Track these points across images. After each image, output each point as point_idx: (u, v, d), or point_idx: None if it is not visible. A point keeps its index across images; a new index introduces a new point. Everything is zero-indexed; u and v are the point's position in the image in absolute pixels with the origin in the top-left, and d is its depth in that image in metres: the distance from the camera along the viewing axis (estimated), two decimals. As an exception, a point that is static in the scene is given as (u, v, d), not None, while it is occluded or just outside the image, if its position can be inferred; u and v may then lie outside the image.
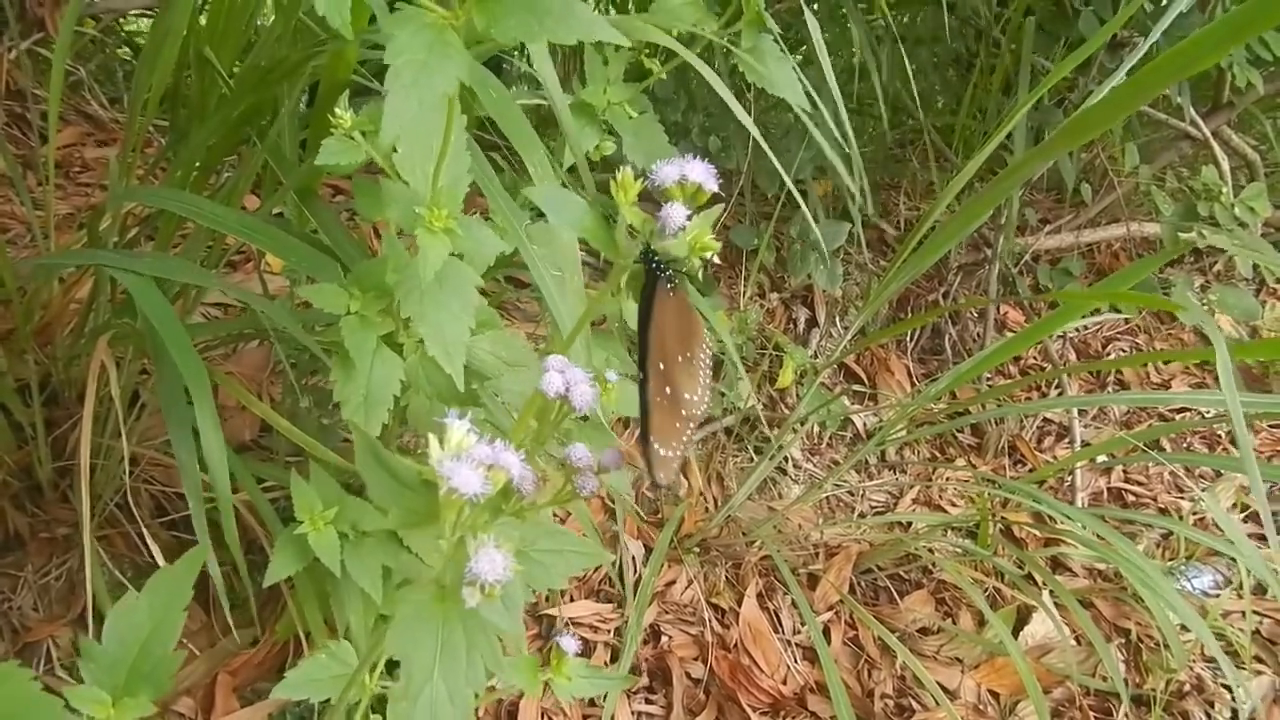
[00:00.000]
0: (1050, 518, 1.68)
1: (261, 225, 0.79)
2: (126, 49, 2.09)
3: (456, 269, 0.63)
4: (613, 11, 1.62)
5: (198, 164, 1.01)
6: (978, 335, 1.92)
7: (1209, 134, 1.78)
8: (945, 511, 1.64)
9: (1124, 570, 1.27)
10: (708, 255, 0.51)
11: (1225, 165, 1.78)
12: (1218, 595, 1.57)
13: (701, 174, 0.50)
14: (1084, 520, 1.34)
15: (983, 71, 1.64)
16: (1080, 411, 1.86)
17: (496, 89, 0.68)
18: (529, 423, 0.55)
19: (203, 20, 1.06)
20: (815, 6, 1.59)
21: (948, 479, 1.71)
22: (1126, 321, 2.09)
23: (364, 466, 0.50)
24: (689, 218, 0.50)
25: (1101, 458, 1.83)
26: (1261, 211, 1.63)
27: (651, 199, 0.54)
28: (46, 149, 1.16)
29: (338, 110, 0.66)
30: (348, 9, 0.47)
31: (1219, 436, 1.93)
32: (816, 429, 1.68)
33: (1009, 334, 2.01)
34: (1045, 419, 1.88)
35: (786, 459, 1.60)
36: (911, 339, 1.90)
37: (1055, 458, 1.79)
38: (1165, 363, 2.07)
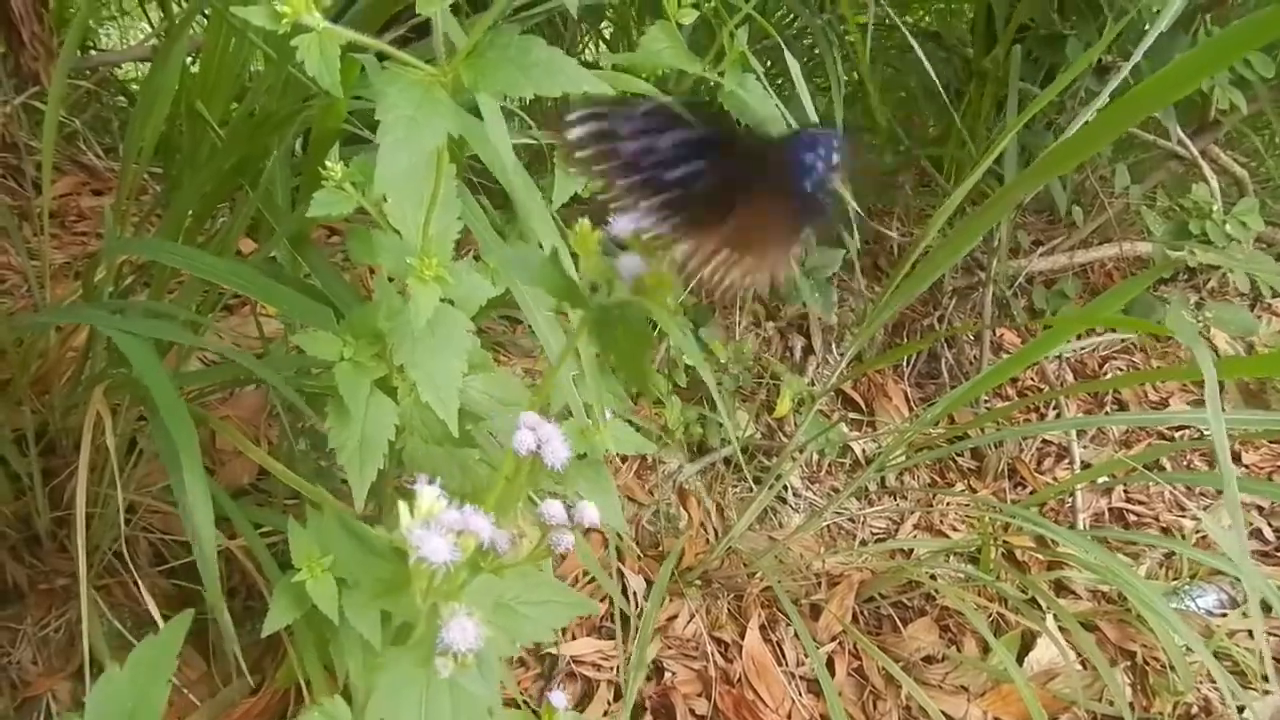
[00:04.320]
0: (1052, 540, 1.68)
1: (254, 274, 0.79)
2: (121, 97, 2.11)
3: (448, 315, 0.63)
4: (603, 48, 1.64)
5: (191, 211, 1.02)
6: (974, 358, 1.93)
7: (1197, 154, 1.80)
8: (947, 537, 1.63)
9: (1126, 592, 1.26)
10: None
11: (1215, 183, 1.79)
12: (1224, 615, 1.56)
13: (653, 225, 0.50)
14: (1085, 544, 1.34)
15: (971, 100, 1.66)
16: (1079, 432, 1.86)
17: (488, 132, 0.69)
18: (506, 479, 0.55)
19: (195, 68, 1.07)
20: (808, 38, 1.61)
21: (948, 503, 1.71)
22: (1123, 340, 2.09)
23: (332, 537, 0.50)
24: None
25: (1102, 479, 1.83)
26: (1254, 226, 1.64)
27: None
28: (41, 200, 1.17)
29: (328, 163, 0.66)
30: (337, 69, 0.48)
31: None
32: (815, 457, 1.68)
33: (1005, 356, 2.01)
34: (1044, 440, 1.88)
35: (786, 488, 1.60)
36: (908, 364, 1.90)
37: (1055, 479, 1.79)
38: (1163, 380, 2.08)
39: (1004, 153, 1.59)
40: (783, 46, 0.84)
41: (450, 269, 0.60)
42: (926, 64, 1.31)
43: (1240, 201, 1.61)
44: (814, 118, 0.90)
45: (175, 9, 1.99)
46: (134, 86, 2.16)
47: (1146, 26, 1.47)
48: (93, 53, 2.20)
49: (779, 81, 1.54)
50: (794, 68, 0.84)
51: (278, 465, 0.93)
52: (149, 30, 2.34)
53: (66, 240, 1.69)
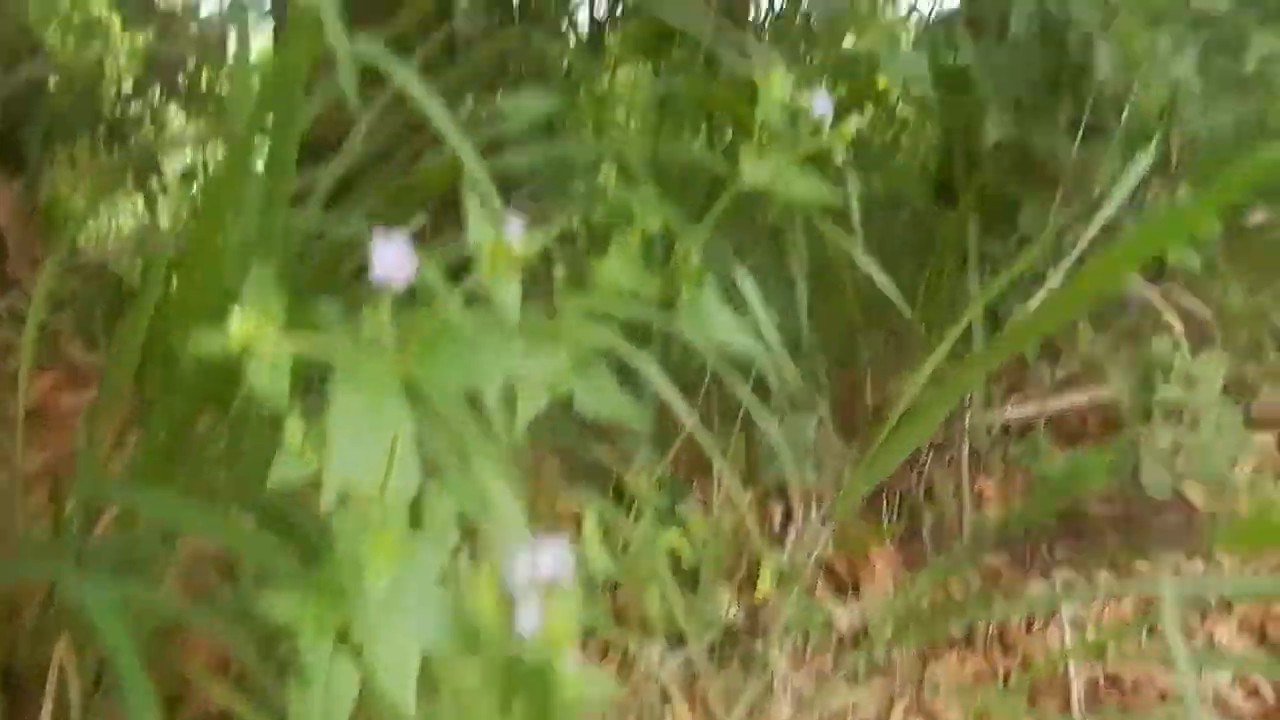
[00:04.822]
0: (1046, 710, 1.65)
1: (217, 520, 0.79)
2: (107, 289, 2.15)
3: (410, 583, 0.63)
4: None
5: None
6: (956, 513, 1.92)
7: (1157, 301, 1.85)
8: (938, 716, 1.59)
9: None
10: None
11: (1178, 327, 1.84)
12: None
13: (553, 566, 0.50)
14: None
15: (933, 270, 1.72)
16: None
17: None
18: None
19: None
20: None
21: (939, 677, 1.67)
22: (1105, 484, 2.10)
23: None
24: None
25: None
26: (1215, 378, 1.68)
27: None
28: (17, 407, 1.17)
29: (289, 426, 0.67)
30: (286, 383, 0.49)
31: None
32: (800, 638, 1.65)
33: (987, 509, 2.01)
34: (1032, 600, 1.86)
35: (773, 675, 1.57)
36: (889, 525, 1.89)
37: (1046, 642, 1.76)
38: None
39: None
40: (735, 262, 0.87)
41: (408, 536, 0.60)
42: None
43: (1202, 355, 1.65)
44: (771, 329, 0.93)
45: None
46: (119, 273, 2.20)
47: (1098, 191, 1.55)
48: (81, 245, 2.25)
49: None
50: (748, 291, 0.87)
51: (242, 704, 0.91)
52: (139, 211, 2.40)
53: (46, 441, 1.69)
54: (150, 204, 1.87)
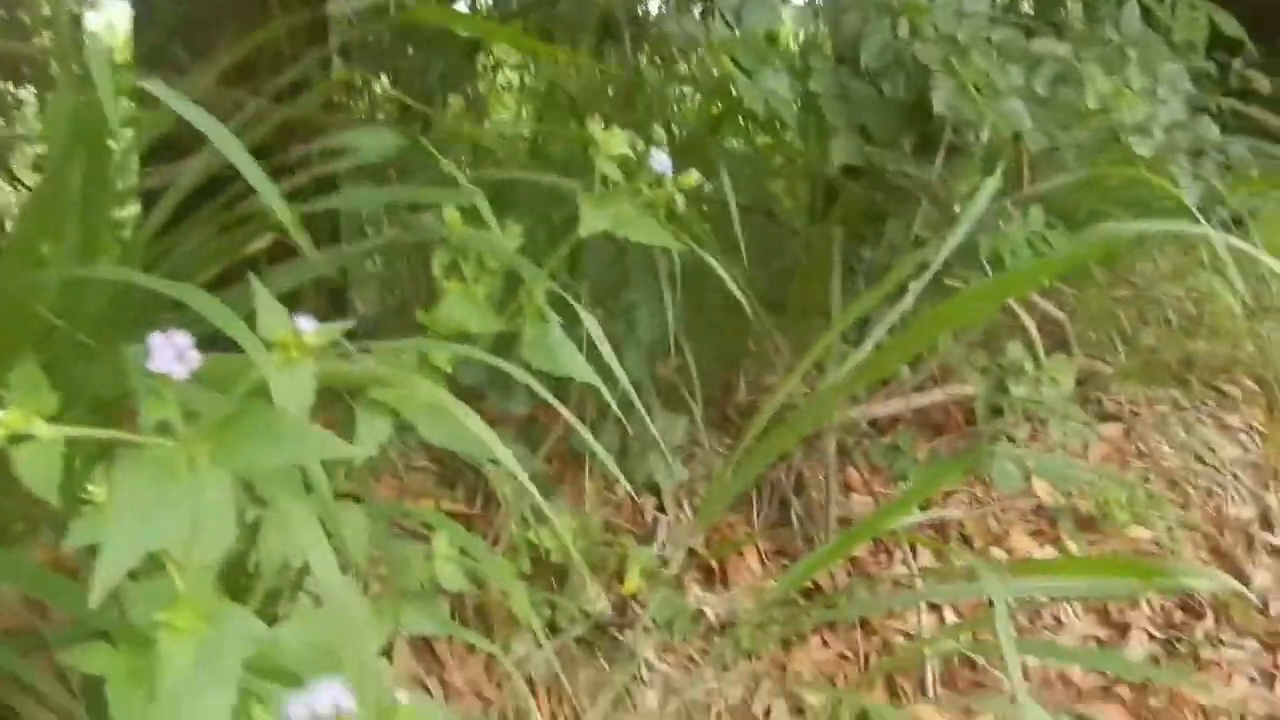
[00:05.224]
0: (905, 693, 1.72)
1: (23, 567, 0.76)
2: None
3: (215, 653, 0.61)
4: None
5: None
6: (823, 503, 1.98)
7: (1014, 304, 1.92)
8: (800, 699, 1.65)
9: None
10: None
11: (1033, 329, 1.92)
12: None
13: (332, 701, 0.50)
14: (925, 712, 1.38)
15: (806, 276, 1.75)
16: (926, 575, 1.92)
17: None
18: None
19: None
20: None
21: (803, 662, 1.73)
22: (964, 473, 2.19)
23: None
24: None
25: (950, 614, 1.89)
26: (1065, 381, 1.76)
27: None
28: None
29: (90, 486, 0.64)
30: (55, 481, 0.47)
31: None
32: (668, 627, 1.68)
33: (854, 495, 2.08)
34: (894, 583, 1.93)
35: (641, 664, 1.60)
36: (759, 516, 1.94)
37: (906, 625, 1.84)
38: (1003, 510, 2.17)
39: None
40: (577, 303, 0.87)
41: (213, 613, 0.59)
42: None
43: (1053, 358, 1.72)
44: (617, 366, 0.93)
45: None
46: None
47: (956, 208, 1.60)
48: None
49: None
50: (589, 322, 0.87)
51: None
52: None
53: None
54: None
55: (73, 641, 0.85)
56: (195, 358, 0.48)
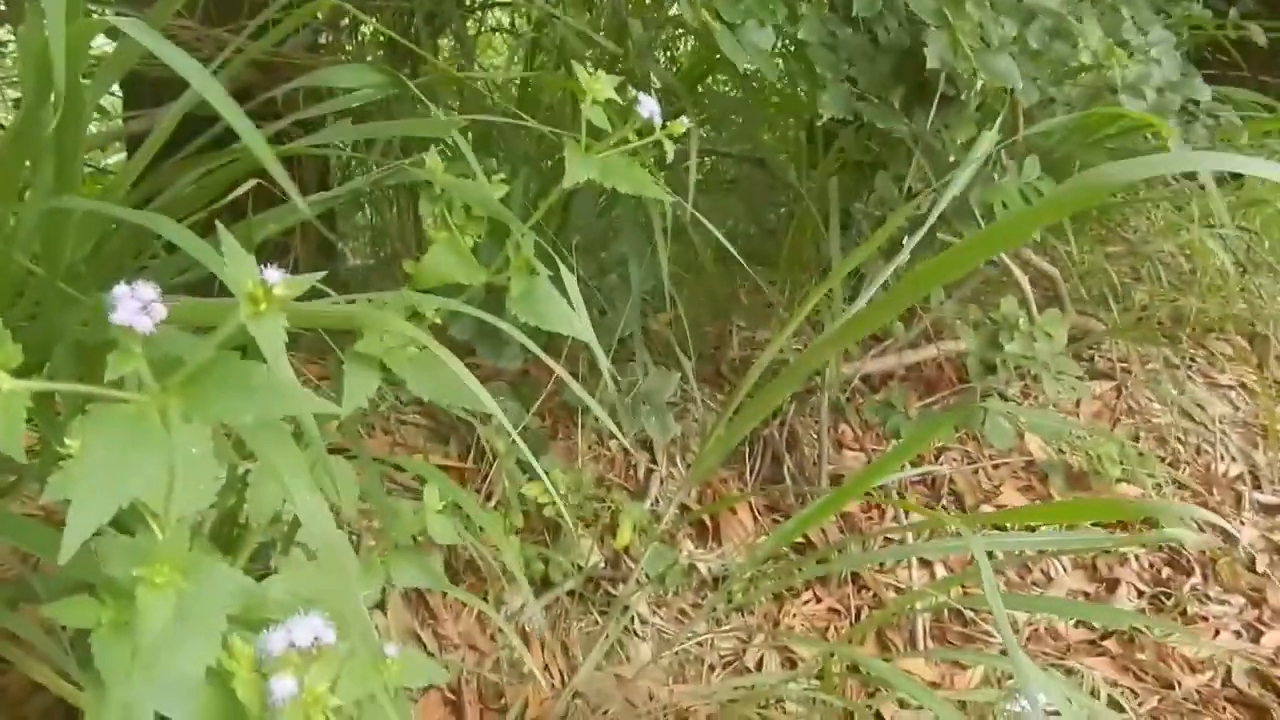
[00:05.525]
0: (896, 646, 1.74)
1: (7, 516, 0.75)
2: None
3: (196, 607, 0.61)
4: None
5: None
6: (815, 460, 1.98)
7: (1008, 260, 1.91)
8: (792, 651, 1.66)
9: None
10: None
11: (1026, 285, 1.91)
12: (1057, 715, 1.63)
13: (311, 634, 0.50)
14: (914, 665, 1.39)
15: (799, 228, 1.73)
16: (916, 531, 1.93)
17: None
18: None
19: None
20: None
21: (795, 615, 1.74)
22: (956, 430, 2.19)
23: None
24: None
25: (941, 569, 1.91)
26: (1058, 336, 1.75)
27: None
28: None
29: (67, 439, 0.63)
30: (20, 436, 0.46)
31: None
32: (661, 581, 1.69)
33: (846, 451, 2.08)
34: (886, 539, 1.94)
35: (633, 618, 1.61)
36: (751, 472, 1.94)
37: (897, 579, 1.85)
38: (995, 467, 2.17)
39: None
40: (558, 255, 0.86)
41: (192, 565, 0.58)
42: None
43: (1046, 312, 1.71)
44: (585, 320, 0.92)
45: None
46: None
47: (952, 158, 1.57)
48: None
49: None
50: (569, 281, 0.86)
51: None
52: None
53: None
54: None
55: (61, 592, 0.85)
56: (160, 310, 0.47)
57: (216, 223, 0.54)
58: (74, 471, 0.46)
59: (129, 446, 0.49)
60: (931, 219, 1.26)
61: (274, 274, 0.49)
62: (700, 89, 1.68)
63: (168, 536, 0.59)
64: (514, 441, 1.62)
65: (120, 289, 0.47)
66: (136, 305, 0.47)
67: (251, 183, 0.99)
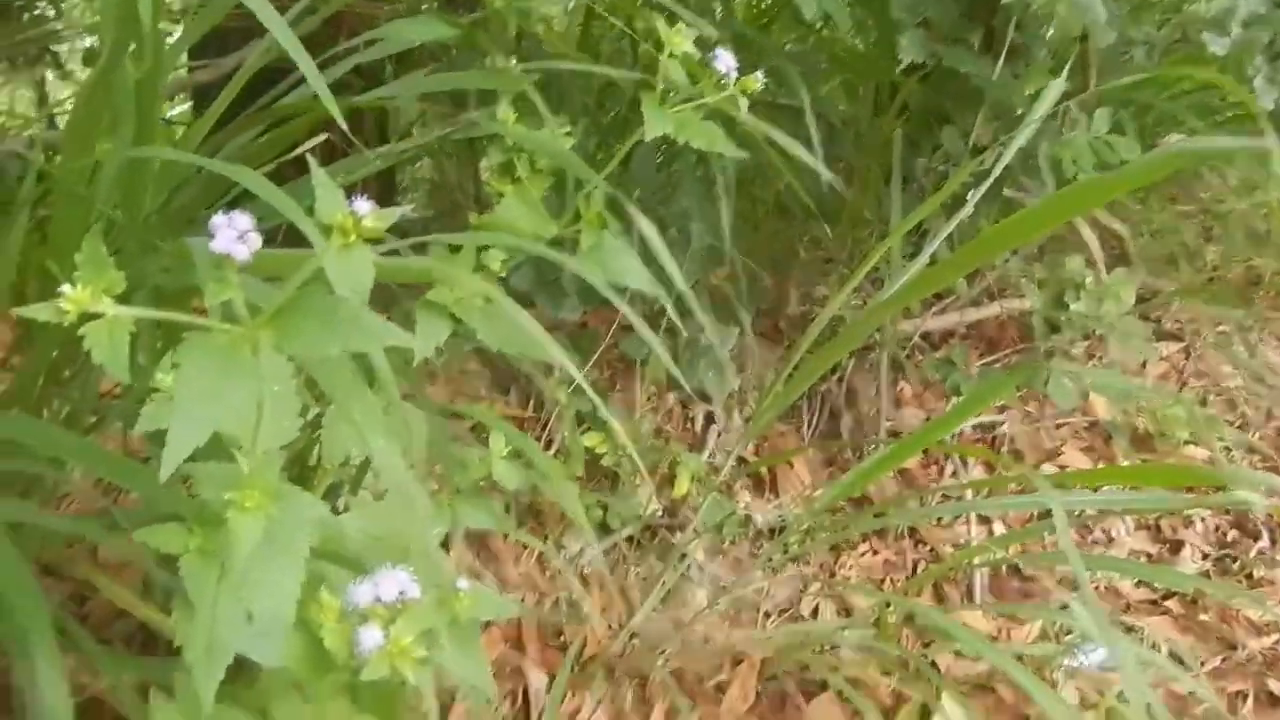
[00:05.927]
0: (953, 600, 1.74)
1: (94, 451, 0.80)
2: None
3: (283, 532, 0.64)
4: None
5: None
6: (873, 415, 1.98)
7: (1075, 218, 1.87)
8: (848, 601, 1.68)
9: (1005, 669, 1.31)
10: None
11: (1094, 243, 1.87)
12: (1115, 669, 1.63)
13: (396, 588, 0.53)
14: (971, 618, 1.39)
15: (861, 181, 1.71)
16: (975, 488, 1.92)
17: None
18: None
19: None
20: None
21: (851, 566, 1.75)
22: (1018, 389, 2.16)
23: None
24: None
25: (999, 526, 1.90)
26: (1125, 296, 1.72)
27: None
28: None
29: (159, 374, 0.67)
30: (126, 357, 0.49)
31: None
32: (718, 530, 1.71)
33: (905, 409, 2.07)
34: (944, 496, 1.93)
35: (690, 565, 1.63)
36: (809, 426, 1.94)
37: (955, 534, 1.85)
38: (1057, 427, 2.15)
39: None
40: (631, 212, 0.87)
41: (279, 492, 0.61)
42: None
43: (1114, 273, 1.68)
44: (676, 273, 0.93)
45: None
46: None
47: (1020, 111, 1.54)
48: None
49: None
50: (648, 230, 0.87)
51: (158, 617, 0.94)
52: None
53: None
54: (41, 95, 1.76)
55: (144, 523, 0.90)
56: (256, 239, 0.50)
57: (309, 158, 0.56)
58: (175, 395, 0.49)
59: (222, 376, 0.52)
60: (995, 173, 1.24)
61: (364, 205, 0.51)
62: (759, 40, 1.66)
63: (256, 466, 0.63)
64: (574, 392, 1.65)
65: (219, 218, 0.50)
66: (233, 234, 0.50)
67: (321, 136, 1.02)
